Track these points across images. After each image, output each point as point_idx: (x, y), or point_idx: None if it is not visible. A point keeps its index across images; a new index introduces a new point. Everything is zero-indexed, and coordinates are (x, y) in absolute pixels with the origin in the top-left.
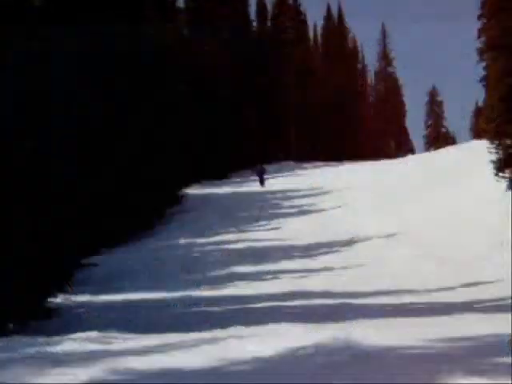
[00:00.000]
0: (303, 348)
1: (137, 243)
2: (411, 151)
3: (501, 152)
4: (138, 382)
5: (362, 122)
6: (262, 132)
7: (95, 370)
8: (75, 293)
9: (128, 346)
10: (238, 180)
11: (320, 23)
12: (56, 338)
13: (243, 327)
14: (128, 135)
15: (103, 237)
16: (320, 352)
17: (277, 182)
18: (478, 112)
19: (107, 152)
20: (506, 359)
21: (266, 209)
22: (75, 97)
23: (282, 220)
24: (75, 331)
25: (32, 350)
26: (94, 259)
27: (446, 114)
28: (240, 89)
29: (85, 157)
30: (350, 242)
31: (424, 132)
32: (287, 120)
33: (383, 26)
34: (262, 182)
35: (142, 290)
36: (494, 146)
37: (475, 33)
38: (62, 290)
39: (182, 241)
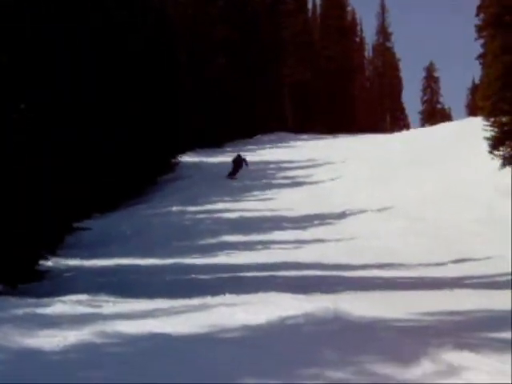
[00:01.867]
0: (293, 317)
1: (129, 209)
2: (407, 126)
3: (496, 129)
4: (127, 345)
5: (358, 95)
6: (257, 102)
7: (84, 333)
8: (66, 256)
9: (117, 310)
10: (232, 149)
11: None
12: (46, 300)
13: (233, 295)
14: (124, 102)
15: (95, 202)
16: (309, 322)
17: (271, 152)
18: (475, 89)
19: (101, 117)
20: (495, 334)
21: (259, 179)
22: (69, 60)
23: (275, 191)
24: (65, 294)
25: (21, 312)
26: (86, 223)
27: (442, 91)
28: (236, 59)
29: (78, 121)
30: (342, 215)
31: (420, 108)
32: (283, 91)
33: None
34: (232, 173)
35: (132, 255)
36: (490, 123)
37: (474, 10)
38: (53, 254)
39: (174, 208)
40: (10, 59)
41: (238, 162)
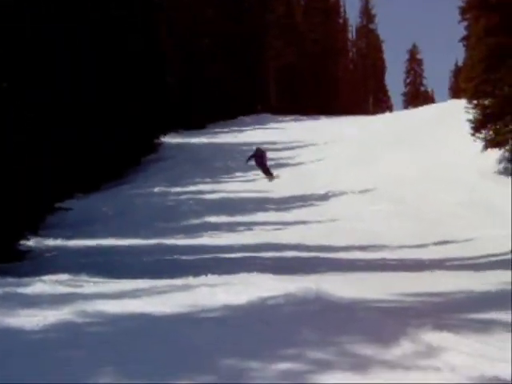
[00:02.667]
0: (273, 298)
1: (111, 190)
2: (389, 108)
3: (478, 112)
4: (108, 325)
5: (341, 77)
6: (241, 84)
7: (64, 312)
8: (48, 236)
9: (98, 290)
10: (216, 130)
11: None
12: (26, 280)
13: (215, 276)
14: (105, 82)
15: (77, 182)
16: (290, 302)
17: (254, 134)
18: (458, 71)
19: (83, 98)
20: (475, 315)
21: (241, 160)
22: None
23: (258, 172)
24: (46, 274)
25: (1, 291)
26: (68, 203)
27: (425, 73)
28: (220, 40)
29: (59, 101)
30: (325, 196)
31: (403, 90)
32: (266, 73)
33: None
34: (266, 173)
35: (115, 236)
36: (472, 105)
37: None
38: (35, 233)
39: (157, 189)
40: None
41: (261, 158)
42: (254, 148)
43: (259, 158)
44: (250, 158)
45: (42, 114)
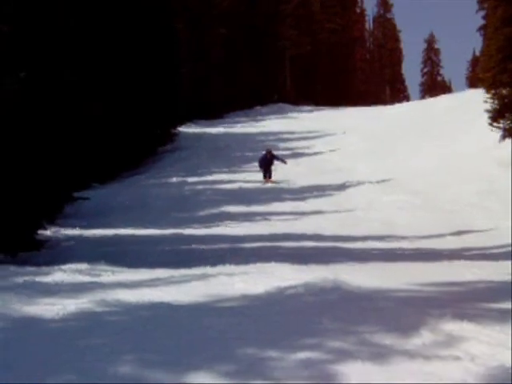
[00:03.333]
0: (292, 287)
1: (129, 179)
2: (407, 98)
3: (496, 102)
4: (127, 314)
5: (358, 67)
6: (258, 73)
7: (84, 301)
8: (65, 226)
9: (117, 279)
10: (232, 120)
11: None
12: (46, 269)
13: (233, 265)
14: (124, 72)
15: (95, 172)
16: (309, 292)
17: (271, 124)
18: (475, 61)
19: (100, 86)
20: (495, 305)
21: (258, 150)
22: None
23: (275, 162)
24: (65, 263)
25: (21, 280)
26: (86, 193)
27: (442, 63)
28: (236, 30)
29: (79, 92)
30: (342, 186)
31: (420, 80)
32: (283, 63)
33: None
34: (266, 176)
35: (132, 225)
36: (490, 95)
37: None
38: (53, 223)
39: (174, 179)
40: (9, 28)
41: (266, 162)
42: (263, 152)
43: (266, 161)
44: (261, 163)
45: (58, 104)
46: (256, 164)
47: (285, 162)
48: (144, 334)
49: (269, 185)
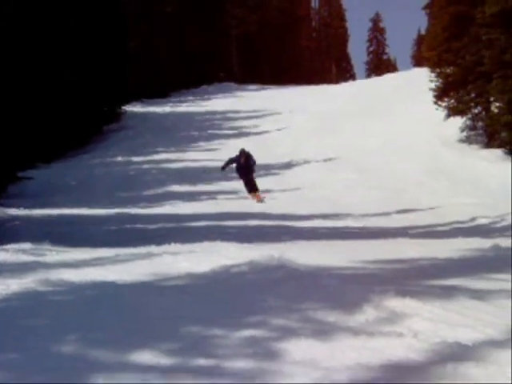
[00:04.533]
0: (237, 265)
1: (73, 159)
2: (352, 77)
3: (441, 80)
4: (71, 293)
5: (304, 46)
6: (204, 52)
7: (27, 281)
8: (9, 206)
9: (61, 259)
10: (179, 99)
11: None
12: None
13: (178, 244)
14: (69, 50)
15: (40, 151)
16: (253, 270)
17: (217, 103)
18: (420, 40)
19: (46, 64)
20: (438, 281)
21: (205, 129)
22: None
23: (221, 141)
24: (8, 243)
25: None
26: (30, 173)
27: (388, 41)
28: (182, 8)
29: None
30: (289, 165)
31: (366, 58)
32: (230, 42)
33: None
34: (249, 186)
35: (77, 205)
36: (435, 74)
37: None
38: None
39: (119, 158)
40: None
41: (244, 168)
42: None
43: (243, 166)
44: (227, 164)
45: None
46: (202, 144)
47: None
48: (88, 313)
49: (257, 201)
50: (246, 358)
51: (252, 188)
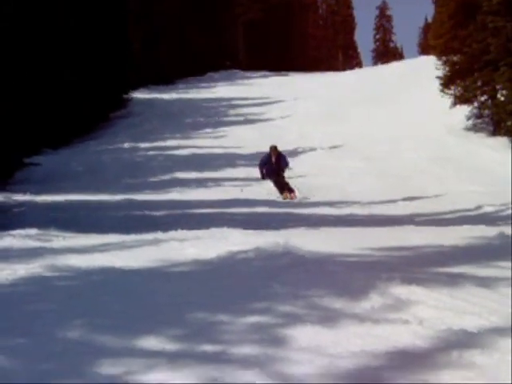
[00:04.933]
0: (243, 252)
1: (80, 145)
2: (359, 65)
3: (447, 68)
4: (77, 279)
5: (311, 33)
6: (210, 39)
7: (34, 266)
8: (16, 191)
9: (68, 244)
10: (185, 86)
11: None
12: None
13: (185, 231)
14: (74, 37)
15: (47, 137)
16: (259, 256)
17: (223, 90)
18: (427, 28)
19: (51, 52)
20: (444, 269)
21: (211, 116)
22: None
23: (227, 128)
24: (15, 228)
25: None
26: (37, 159)
27: (394, 29)
28: None
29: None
30: (294, 152)
31: (372, 46)
32: (235, 29)
33: None
34: (283, 187)
35: (84, 191)
36: (441, 62)
37: None
38: (3, 189)
39: (126, 145)
40: None
41: (274, 168)
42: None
43: (274, 167)
44: (262, 168)
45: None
46: (208, 130)
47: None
48: (94, 298)
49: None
50: (252, 344)
51: (284, 187)
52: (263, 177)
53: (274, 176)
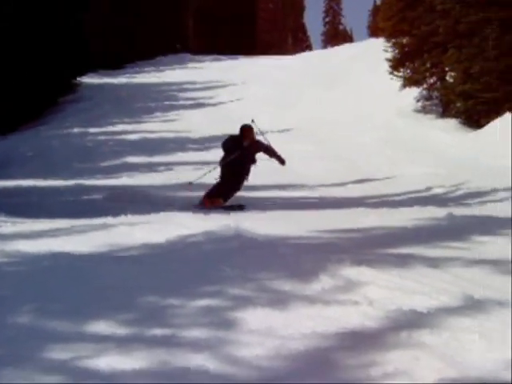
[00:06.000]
0: (193, 235)
1: (29, 131)
2: (309, 48)
3: (396, 50)
4: (27, 264)
5: (260, 16)
6: (160, 23)
7: None
8: None
9: (17, 230)
10: (135, 71)
11: None
12: None
13: (134, 215)
14: (20, 20)
15: None
16: (210, 240)
17: (173, 74)
18: (376, 10)
19: None
20: (394, 250)
21: (161, 100)
22: None
23: (178, 112)
24: None
25: None
26: None
27: (344, 12)
28: None
29: None
30: None
31: (322, 29)
32: (185, 12)
33: None
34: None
35: (33, 177)
36: (390, 44)
37: None
38: None
39: (76, 130)
40: None
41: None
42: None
43: (242, 152)
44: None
45: None
46: (159, 114)
47: (281, 161)
48: (44, 284)
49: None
50: (202, 328)
51: (223, 196)
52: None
53: (237, 171)
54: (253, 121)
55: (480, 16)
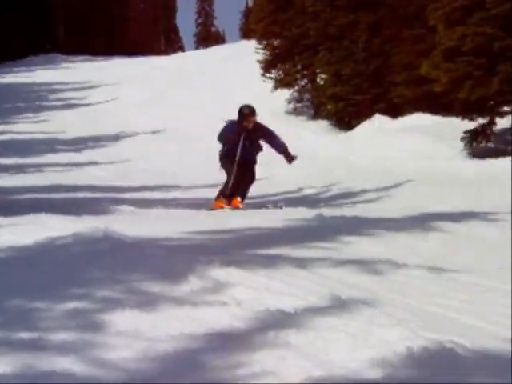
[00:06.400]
0: (62, 237)
1: None
2: (181, 49)
3: (268, 52)
4: None
5: (132, 17)
6: (30, 23)
7: None
8: None
9: None
10: (2, 71)
11: None
12: None
13: (1, 217)
14: None
15: None
16: (78, 241)
17: (44, 74)
18: (248, 12)
19: None
20: (262, 251)
21: (31, 101)
22: None
23: (48, 113)
24: None
25: None
26: None
27: (216, 13)
28: None
29: None
30: (117, 137)
31: (195, 30)
32: (55, 11)
33: None
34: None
35: None
36: (262, 46)
37: None
38: None
39: None
40: None
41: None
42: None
43: (244, 140)
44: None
45: None
46: (29, 115)
47: (290, 159)
48: None
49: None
50: (69, 331)
51: (237, 190)
52: (222, 163)
53: (240, 162)
54: None
55: (350, 19)
